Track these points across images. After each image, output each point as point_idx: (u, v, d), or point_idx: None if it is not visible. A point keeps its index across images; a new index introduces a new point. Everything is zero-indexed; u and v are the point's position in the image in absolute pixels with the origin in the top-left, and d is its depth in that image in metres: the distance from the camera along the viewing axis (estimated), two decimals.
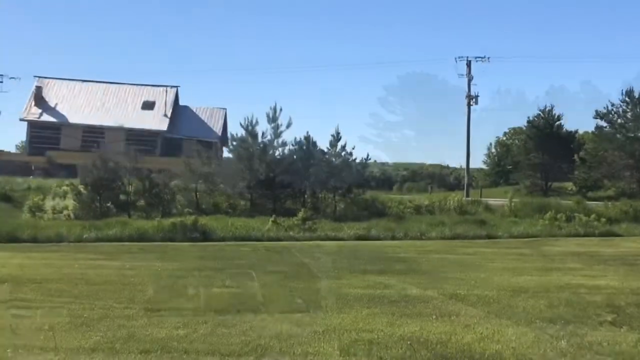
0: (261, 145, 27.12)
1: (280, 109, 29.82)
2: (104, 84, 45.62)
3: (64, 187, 27.60)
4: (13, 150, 62.55)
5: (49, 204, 26.18)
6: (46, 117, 42.38)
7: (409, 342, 6.95)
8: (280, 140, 28.63)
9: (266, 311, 8.54)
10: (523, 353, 6.68)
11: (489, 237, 21.32)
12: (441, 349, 6.77)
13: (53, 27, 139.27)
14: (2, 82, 51.86)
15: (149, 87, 45.71)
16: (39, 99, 42.79)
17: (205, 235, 20.10)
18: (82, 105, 43.71)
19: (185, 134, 42.30)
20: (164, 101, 44.40)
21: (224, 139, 39.80)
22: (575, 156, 43.10)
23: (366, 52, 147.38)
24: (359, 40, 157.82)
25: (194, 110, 45.44)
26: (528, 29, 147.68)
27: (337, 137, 27.43)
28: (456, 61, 43.76)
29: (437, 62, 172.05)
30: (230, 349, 6.69)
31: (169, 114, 43.52)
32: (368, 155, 35.21)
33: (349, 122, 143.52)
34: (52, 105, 42.92)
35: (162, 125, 42.69)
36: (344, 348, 6.76)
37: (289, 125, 33.95)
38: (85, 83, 45.35)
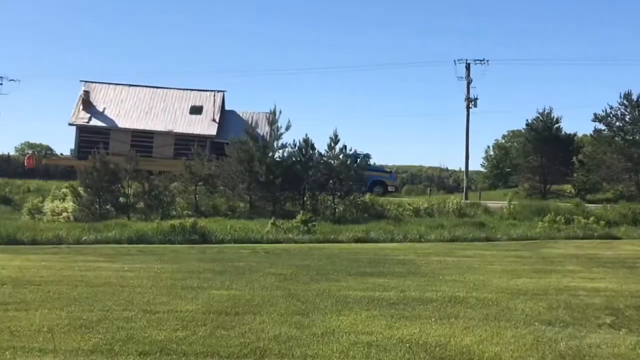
0: (261, 147, 27.12)
1: (280, 111, 29.94)
2: (150, 89, 45.80)
3: (63, 189, 27.61)
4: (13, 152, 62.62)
5: (48, 206, 26.19)
6: (95, 122, 42.40)
7: (407, 345, 6.97)
8: (280, 142, 28.71)
9: (265, 313, 8.55)
10: (522, 355, 6.69)
11: (487, 239, 21.29)
12: (440, 352, 6.78)
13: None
14: (1, 84, 52.03)
15: (195, 92, 45.85)
16: (87, 104, 42.81)
17: (204, 238, 20.09)
18: (129, 110, 43.81)
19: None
20: (211, 106, 44.51)
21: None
22: (574, 159, 43.13)
23: (365, 54, 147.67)
24: (358, 42, 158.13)
25: (240, 114, 45.34)
26: (527, 32, 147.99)
27: (335, 139, 27.45)
28: (455, 64, 43.84)
29: (436, 65, 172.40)
30: (229, 351, 6.70)
31: (217, 119, 43.60)
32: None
33: (349, 123, 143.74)
34: (100, 109, 42.99)
35: (210, 129, 42.77)
36: (342, 350, 6.77)
37: (288, 128, 34.11)
38: (131, 87, 45.48)
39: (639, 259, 15.83)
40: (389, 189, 35.06)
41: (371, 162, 35.88)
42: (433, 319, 8.32)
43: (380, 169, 36.94)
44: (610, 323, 8.24)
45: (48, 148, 77.94)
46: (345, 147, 27.63)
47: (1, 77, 51.93)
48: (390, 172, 37.42)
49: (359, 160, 34.64)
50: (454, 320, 8.30)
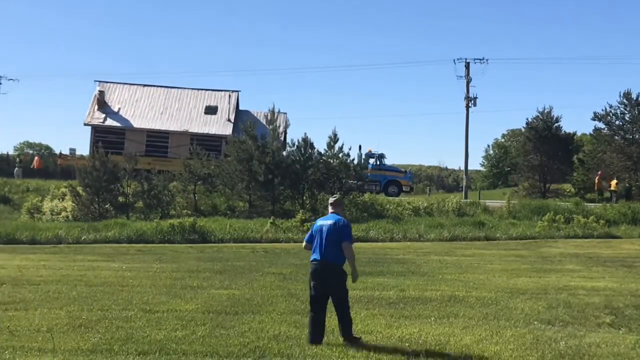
0: (260, 147, 27.09)
1: (279, 111, 29.94)
2: (165, 89, 45.86)
3: (62, 189, 27.56)
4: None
5: (47, 205, 26.15)
6: (110, 122, 42.40)
7: (407, 344, 6.96)
8: (279, 141, 28.65)
9: (264, 313, 8.54)
10: (521, 355, 6.68)
11: (487, 238, 21.29)
12: (440, 351, 6.78)
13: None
14: (0, 83, 51.94)
15: (209, 92, 45.90)
16: (102, 104, 42.84)
17: (204, 237, 20.09)
18: (144, 110, 43.84)
19: None
20: (226, 105, 44.54)
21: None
22: (574, 158, 43.12)
23: (365, 54, 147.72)
24: (358, 42, 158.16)
25: (255, 114, 45.25)
26: (527, 31, 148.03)
27: (334, 139, 27.42)
28: (455, 63, 43.76)
29: (436, 64, 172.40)
30: (228, 350, 6.69)
31: (232, 119, 43.65)
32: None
33: (349, 122, 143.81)
34: (115, 110, 43.01)
35: (226, 129, 42.81)
36: (342, 350, 6.76)
37: (287, 127, 34.08)
38: (145, 87, 45.51)
39: (638, 258, 15.84)
40: (404, 189, 34.96)
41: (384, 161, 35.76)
42: (433, 318, 8.31)
43: (394, 168, 36.81)
44: (610, 322, 8.24)
45: (47, 147, 77.84)
46: (343, 145, 27.64)
47: (0, 77, 51.80)
48: (405, 171, 37.26)
49: (374, 159, 34.63)
50: (453, 319, 8.29)
